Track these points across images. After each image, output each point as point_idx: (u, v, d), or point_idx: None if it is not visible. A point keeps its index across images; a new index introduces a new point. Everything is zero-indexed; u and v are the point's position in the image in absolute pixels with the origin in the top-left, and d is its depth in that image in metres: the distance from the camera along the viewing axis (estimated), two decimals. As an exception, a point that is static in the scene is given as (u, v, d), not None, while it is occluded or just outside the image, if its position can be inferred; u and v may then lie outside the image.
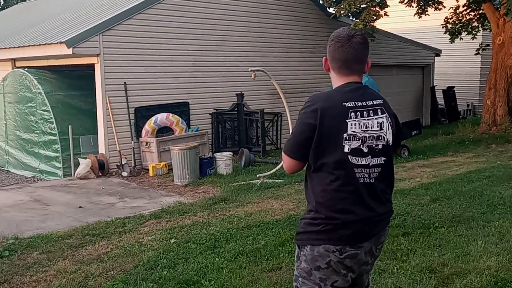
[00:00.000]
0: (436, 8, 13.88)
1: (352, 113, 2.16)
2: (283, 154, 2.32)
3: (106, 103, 9.14)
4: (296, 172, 2.35)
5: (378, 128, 2.20)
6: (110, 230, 5.71)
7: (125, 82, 9.42)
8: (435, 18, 14.60)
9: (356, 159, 2.16)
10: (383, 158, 2.22)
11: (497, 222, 5.20)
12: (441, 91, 17.65)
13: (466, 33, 13.91)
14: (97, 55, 9.01)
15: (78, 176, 8.94)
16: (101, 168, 9.08)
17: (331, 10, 13.32)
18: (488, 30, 13.99)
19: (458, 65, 18.47)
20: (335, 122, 2.15)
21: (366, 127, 2.17)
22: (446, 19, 14.13)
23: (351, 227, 2.17)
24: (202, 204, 6.76)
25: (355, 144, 2.16)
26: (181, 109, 10.36)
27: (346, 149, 2.15)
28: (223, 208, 6.51)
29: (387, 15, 12.29)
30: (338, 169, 2.16)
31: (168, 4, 10.05)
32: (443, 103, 17.90)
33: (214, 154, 9.28)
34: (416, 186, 7.28)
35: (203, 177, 8.59)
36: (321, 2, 13.04)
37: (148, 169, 9.28)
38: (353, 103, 2.18)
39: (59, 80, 9.99)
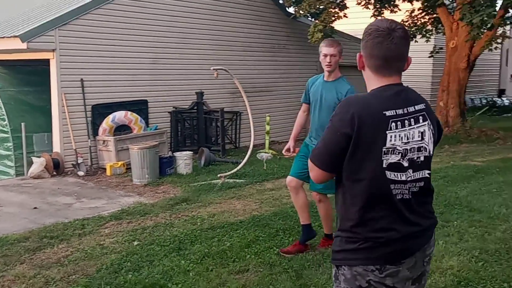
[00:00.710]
0: (391, 11, 14.21)
1: (393, 123, 1.92)
2: (311, 163, 2.06)
3: (62, 100, 8.84)
4: (326, 182, 2.16)
5: (420, 138, 1.97)
6: (69, 232, 5.53)
7: (82, 79, 9.14)
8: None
9: (394, 174, 1.94)
10: (427, 172, 2.01)
11: (455, 222, 5.36)
12: (394, 92, 18.08)
13: (420, 36, 14.30)
14: (53, 51, 8.70)
15: (31, 175, 8.61)
16: (56, 167, 8.78)
17: (291, 10, 13.39)
18: (441, 33, 14.43)
19: (411, 67, 18.84)
20: (373, 133, 1.91)
21: (408, 139, 1.94)
22: (402, 22, 14.45)
23: (391, 245, 1.97)
24: (163, 205, 6.65)
25: (394, 158, 1.93)
26: (140, 107, 10.16)
27: (384, 164, 1.93)
28: (185, 209, 6.43)
29: (346, 17, 12.47)
30: (373, 186, 1.94)
31: (127, 0, 9.82)
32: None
33: (174, 154, 9.15)
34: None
35: (163, 177, 8.45)
36: (281, 2, 13.09)
37: (105, 169, 9.04)
38: (394, 111, 1.93)
39: (11, 76, 9.60)
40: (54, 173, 8.78)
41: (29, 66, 10.11)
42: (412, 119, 1.96)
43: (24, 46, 8.18)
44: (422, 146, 1.97)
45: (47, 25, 8.57)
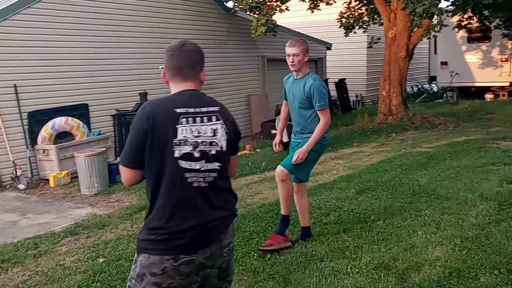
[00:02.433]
0: (327, 3, 14.30)
1: (183, 119, 2.19)
2: (120, 168, 2.27)
3: (-6, 108, 8.13)
4: (136, 183, 2.29)
5: (212, 134, 2.23)
6: (21, 253, 5.01)
7: (15, 84, 8.45)
8: (328, 12, 15.06)
9: (187, 163, 2.18)
10: (218, 164, 2.24)
11: (426, 211, 5.34)
12: (333, 83, 18.31)
13: (358, 27, 14.49)
14: (-19, 55, 7.97)
15: (-35, 192, 7.85)
16: (-7, 182, 8.07)
17: (230, 5, 13.14)
18: (378, 24, 14.71)
19: (348, 58, 19.30)
20: (165, 127, 2.16)
21: (199, 133, 2.20)
22: (341, 14, 14.60)
23: (185, 236, 2.18)
24: (121, 215, 6.21)
25: (186, 149, 2.18)
26: (80, 111, 9.55)
27: (176, 154, 2.17)
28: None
29: (288, 10, 12.39)
30: (170, 174, 2.17)
31: (58, 3, 9.17)
32: (336, 95, 18.59)
33: (122, 159, 8.65)
34: (336, 179, 7.34)
35: (113, 185, 7.97)
36: (219, -4, 12.81)
37: (48, 180, 8.40)
38: (186, 109, 2.20)
39: None
40: (-9, 188, 8.06)
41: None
42: (205, 117, 2.23)
43: None
44: (214, 142, 2.24)
45: (-27, 27, 7.83)
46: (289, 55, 4.38)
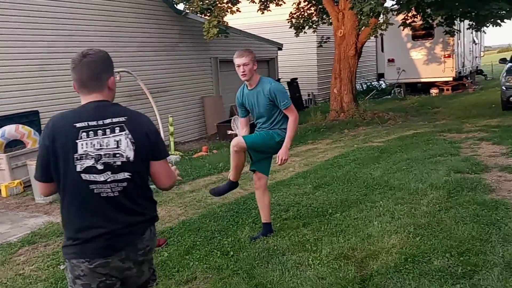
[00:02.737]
0: (277, 4, 14.53)
1: (84, 133, 2.22)
2: (35, 182, 2.46)
3: None
4: (54, 193, 2.40)
5: (115, 146, 2.24)
6: (-23, 266, 4.88)
7: (-40, 93, 8.17)
8: (279, 13, 15.27)
9: (91, 176, 2.23)
10: (127, 173, 2.27)
11: (381, 202, 5.55)
12: (285, 83, 18.57)
13: (307, 27, 14.78)
14: None
15: None
16: None
17: (181, 7, 13.13)
18: (327, 24, 15.04)
19: (299, 57, 19.63)
20: (65, 143, 2.21)
21: (101, 146, 2.23)
22: (291, 14, 14.84)
23: (97, 241, 2.26)
24: (79, 221, 6.13)
25: (88, 162, 2.22)
26: (31, 119, 9.33)
27: (78, 168, 2.23)
28: (105, 223, 5.98)
29: (239, 11, 12.50)
30: (74, 188, 2.25)
31: (4, 2, 8.93)
32: (288, 94, 18.87)
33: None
34: (293, 176, 7.50)
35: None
36: (169, -1, 12.78)
37: (-1, 190, 8.16)
38: (86, 123, 2.23)
39: None
40: None
41: None
42: (107, 129, 2.25)
43: None
44: (118, 153, 2.25)
45: None
46: (239, 65, 4.44)
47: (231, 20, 13.29)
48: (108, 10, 11.03)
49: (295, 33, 14.94)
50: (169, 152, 10.32)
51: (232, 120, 10.49)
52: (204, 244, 4.79)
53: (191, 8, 12.26)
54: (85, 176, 2.22)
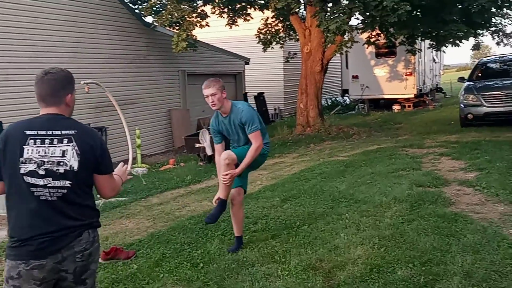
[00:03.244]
0: (245, 19, 14.73)
1: (31, 140, 2.44)
2: None
3: None
4: (3, 193, 2.55)
5: (61, 155, 2.45)
6: None
7: None
8: (247, 28, 15.47)
9: (33, 179, 2.43)
10: (68, 182, 2.46)
11: (346, 214, 5.71)
12: (252, 97, 18.76)
13: (275, 42, 15.02)
14: None
15: None
16: None
17: (150, 20, 13.15)
18: (294, 40, 15.32)
19: (266, 72, 19.86)
20: (14, 147, 2.44)
21: (45, 153, 2.44)
22: (259, 30, 15.06)
23: (33, 243, 2.41)
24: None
25: (31, 167, 2.43)
26: (-6, 129, 9.15)
27: (22, 171, 2.43)
28: (71, 235, 5.92)
29: (208, 25, 12.62)
30: (16, 188, 2.45)
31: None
32: (255, 108, 19.06)
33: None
34: (261, 189, 7.60)
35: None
36: (137, 11, 12.79)
37: (-40, 202, 7.95)
38: (36, 131, 2.45)
39: None
40: None
41: None
42: (55, 140, 2.46)
43: None
44: (63, 162, 2.46)
45: None
46: (207, 96, 4.41)
47: (199, 33, 13.41)
48: (74, 21, 10.96)
49: (262, 48, 15.15)
50: (136, 165, 10.30)
51: (200, 133, 10.52)
52: (173, 256, 4.83)
53: (159, 21, 12.31)
54: (27, 179, 2.43)
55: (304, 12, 14.10)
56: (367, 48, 17.02)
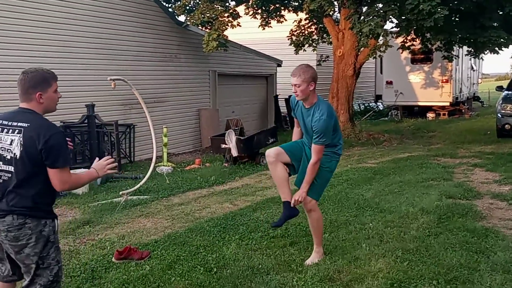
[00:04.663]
0: (278, 21, 14.57)
1: (0, 128, 2.91)
2: None
3: None
4: None
5: (9, 143, 2.85)
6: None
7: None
8: (279, 30, 15.32)
9: None
10: (11, 167, 2.86)
11: (370, 224, 5.48)
12: (283, 99, 18.57)
13: (307, 45, 14.82)
14: None
15: None
16: None
17: (182, 18, 13.14)
18: (327, 43, 15.09)
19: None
20: None
21: (1, 140, 2.88)
22: (291, 32, 14.89)
23: None
24: (63, 229, 6.00)
25: None
26: None
27: None
28: (89, 232, 5.87)
29: (240, 25, 12.51)
30: None
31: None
32: (285, 111, 18.87)
33: (67, 172, 8.40)
34: (284, 194, 7.40)
35: (56, 199, 7.69)
36: (170, 10, 12.79)
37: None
38: (1, 121, 2.92)
39: None
40: None
41: None
42: (10, 130, 2.88)
43: None
44: (10, 149, 2.87)
45: None
46: (293, 85, 4.13)
47: (231, 34, 13.31)
48: (107, 18, 10.99)
49: (294, 50, 14.96)
50: (161, 164, 10.24)
51: (226, 134, 10.41)
52: (187, 259, 4.70)
53: (192, 20, 12.27)
54: None
55: (338, 14, 13.86)
56: (402, 53, 16.61)
